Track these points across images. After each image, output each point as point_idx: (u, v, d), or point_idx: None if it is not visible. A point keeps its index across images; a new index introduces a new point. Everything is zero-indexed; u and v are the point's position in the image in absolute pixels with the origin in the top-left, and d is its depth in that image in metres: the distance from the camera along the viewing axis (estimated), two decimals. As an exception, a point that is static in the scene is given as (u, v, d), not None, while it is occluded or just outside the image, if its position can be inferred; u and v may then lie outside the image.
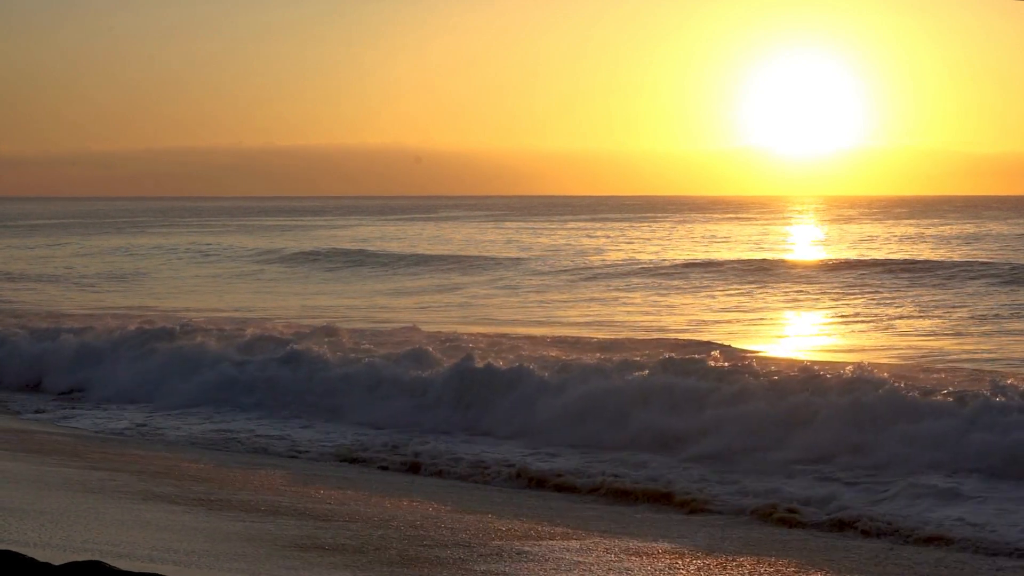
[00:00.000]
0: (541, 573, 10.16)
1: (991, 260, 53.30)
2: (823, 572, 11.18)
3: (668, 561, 10.94)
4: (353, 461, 17.55)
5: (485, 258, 62.37)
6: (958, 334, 30.44)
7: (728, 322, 34.60)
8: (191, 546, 10.02)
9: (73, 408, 22.57)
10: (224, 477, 14.87)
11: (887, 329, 32.17)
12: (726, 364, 21.14)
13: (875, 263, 53.17)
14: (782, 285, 45.50)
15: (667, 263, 56.58)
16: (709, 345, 26.55)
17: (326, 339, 26.37)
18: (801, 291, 43.34)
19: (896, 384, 18.43)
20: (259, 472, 15.69)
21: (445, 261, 60.66)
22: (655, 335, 29.46)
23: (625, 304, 40.40)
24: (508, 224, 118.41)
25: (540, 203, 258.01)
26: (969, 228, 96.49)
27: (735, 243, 79.77)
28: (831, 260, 56.71)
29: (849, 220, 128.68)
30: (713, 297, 42.45)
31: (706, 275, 50.22)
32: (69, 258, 70.62)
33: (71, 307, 39.79)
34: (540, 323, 33.98)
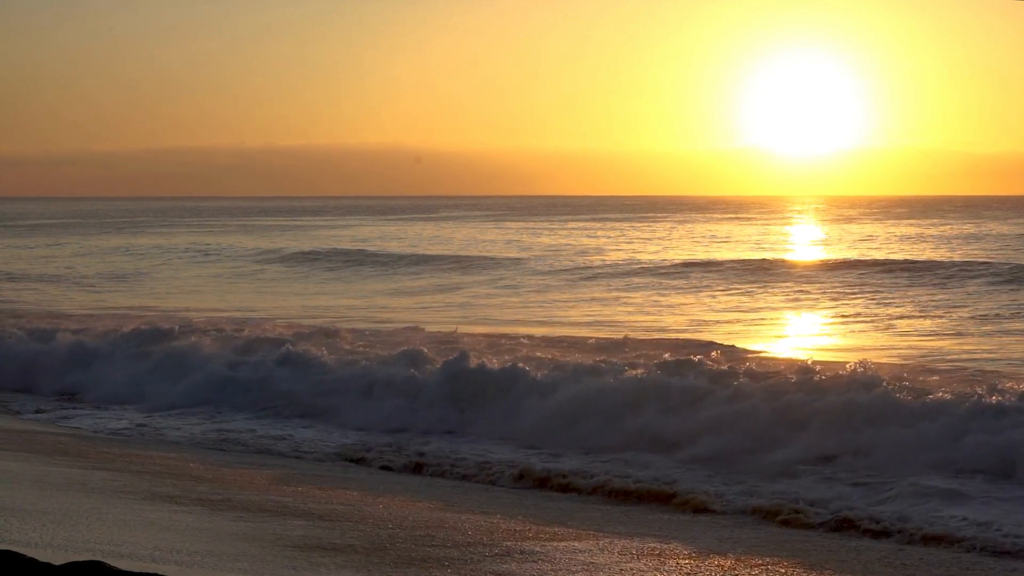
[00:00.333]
0: (553, 574, 10.16)
1: (991, 260, 53.28)
2: (831, 572, 11.20)
3: (678, 562, 10.93)
4: (356, 461, 17.55)
5: (485, 258, 62.34)
6: (958, 334, 30.43)
7: (729, 322, 34.59)
8: (194, 546, 10.02)
9: (73, 408, 22.56)
10: (226, 477, 14.86)
11: (887, 329, 32.17)
12: (727, 364, 21.14)
13: (875, 263, 53.16)
14: (782, 285, 45.49)
15: (667, 263, 56.56)
16: (711, 345, 26.56)
17: (325, 340, 26.37)
18: (801, 291, 43.33)
19: (896, 384, 18.45)
20: (261, 472, 15.68)
21: (445, 261, 60.64)
22: (656, 335, 29.45)
23: (626, 304, 40.39)
24: (508, 224, 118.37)
25: (540, 203, 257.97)
26: (969, 228, 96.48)
27: (735, 243, 79.75)
28: (831, 260, 56.70)
29: (849, 220, 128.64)
30: (713, 297, 42.44)
31: (706, 275, 50.20)
32: (69, 258, 70.61)
33: (72, 307, 39.78)
34: (541, 323, 33.96)
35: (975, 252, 62.86)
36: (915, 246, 71.93)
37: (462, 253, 67.02)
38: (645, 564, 10.76)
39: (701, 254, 64.85)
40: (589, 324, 33.68)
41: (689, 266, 54.32)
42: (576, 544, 11.43)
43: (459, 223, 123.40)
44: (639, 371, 20.15)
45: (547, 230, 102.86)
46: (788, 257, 61.35)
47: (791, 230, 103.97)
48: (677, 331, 31.27)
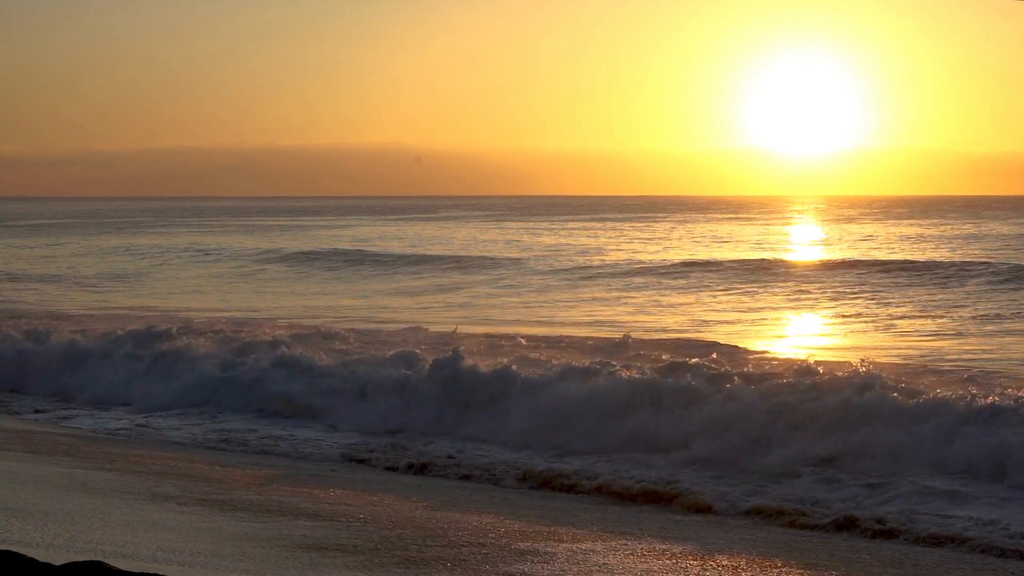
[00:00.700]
0: (565, 575, 10.17)
1: (991, 260, 53.28)
2: (838, 572, 11.21)
3: (690, 562, 10.93)
4: (358, 462, 17.55)
5: (486, 258, 62.32)
6: (958, 334, 30.43)
7: (729, 322, 34.60)
8: (196, 547, 10.00)
9: (72, 408, 22.56)
10: (229, 477, 14.85)
11: (887, 329, 32.17)
12: (729, 364, 21.14)
13: (875, 263, 53.14)
14: (782, 285, 45.49)
15: (667, 263, 56.55)
16: (714, 345, 26.58)
17: (324, 340, 26.36)
18: (801, 291, 43.32)
19: (896, 384, 18.46)
20: (264, 472, 15.68)
21: (445, 261, 60.62)
22: (656, 335, 29.44)
23: (626, 304, 40.39)
24: (508, 224, 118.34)
25: (540, 203, 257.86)
26: (969, 228, 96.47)
27: (735, 243, 79.73)
28: (831, 260, 56.69)
29: (849, 220, 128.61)
30: (714, 297, 42.44)
31: (706, 275, 50.20)
32: (70, 258, 70.59)
33: (72, 307, 39.77)
34: (541, 323, 33.96)
35: (975, 252, 62.86)
36: (915, 246, 71.93)
37: (462, 253, 67.00)
38: (658, 565, 10.75)
39: (701, 254, 64.83)
40: (589, 324, 33.67)
41: (689, 266, 54.30)
42: (589, 545, 11.41)
43: (459, 223, 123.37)
44: (646, 372, 20.12)
45: (547, 230, 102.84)
46: (788, 257, 61.33)
47: (791, 230, 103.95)
48: (678, 331, 31.26)
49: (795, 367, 20.75)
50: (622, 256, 64.24)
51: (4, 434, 18.38)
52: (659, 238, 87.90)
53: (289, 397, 21.89)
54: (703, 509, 14.36)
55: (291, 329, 29.05)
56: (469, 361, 21.44)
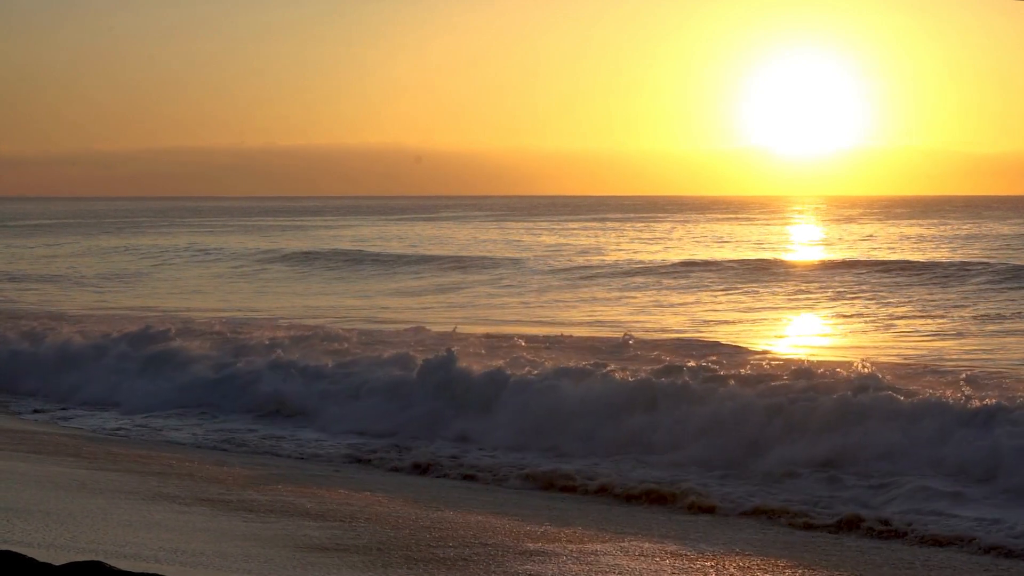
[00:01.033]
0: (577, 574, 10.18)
1: (991, 260, 53.28)
2: (847, 572, 11.21)
3: (700, 563, 10.92)
4: (362, 462, 17.54)
5: (486, 258, 62.32)
6: (958, 334, 30.44)
7: (730, 322, 34.60)
8: (199, 547, 9.98)
9: (72, 409, 22.53)
10: (231, 477, 14.83)
11: (887, 329, 32.17)
12: (730, 364, 21.13)
13: (875, 263, 53.15)
14: (782, 285, 45.49)
15: (668, 263, 56.55)
16: (713, 345, 26.58)
17: (323, 341, 26.34)
18: (801, 291, 43.33)
19: (896, 384, 18.45)
20: (266, 472, 15.67)
21: (446, 261, 60.61)
22: (657, 335, 29.44)
23: (626, 304, 40.40)
24: (508, 224, 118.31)
25: (540, 203, 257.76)
26: (969, 228, 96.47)
27: (736, 243, 79.74)
28: (831, 260, 56.71)
29: (849, 220, 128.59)
30: (714, 297, 42.45)
31: (706, 275, 50.21)
32: (70, 258, 70.59)
33: (73, 307, 39.76)
34: (542, 323, 33.95)
35: (975, 252, 62.86)
36: (915, 246, 71.93)
37: (463, 253, 67.00)
38: (670, 565, 10.74)
39: (702, 254, 64.83)
40: (590, 324, 33.67)
41: (689, 266, 54.30)
42: (599, 546, 11.37)
43: (459, 223, 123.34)
44: (647, 372, 20.09)
45: (547, 230, 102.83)
46: (788, 257, 61.35)
47: (791, 230, 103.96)
48: (678, 331, 31.28)
49: (796, 367, 20.72)
50: (622, 256, 64.24)
51: (4, 434, 18.36)
52: (659, 238, 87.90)
53: (283, 398, 21.84)
54: (707, 509, 14.37)
55: (291, 330, 29.04)
56: (462, 362, 21.34)
